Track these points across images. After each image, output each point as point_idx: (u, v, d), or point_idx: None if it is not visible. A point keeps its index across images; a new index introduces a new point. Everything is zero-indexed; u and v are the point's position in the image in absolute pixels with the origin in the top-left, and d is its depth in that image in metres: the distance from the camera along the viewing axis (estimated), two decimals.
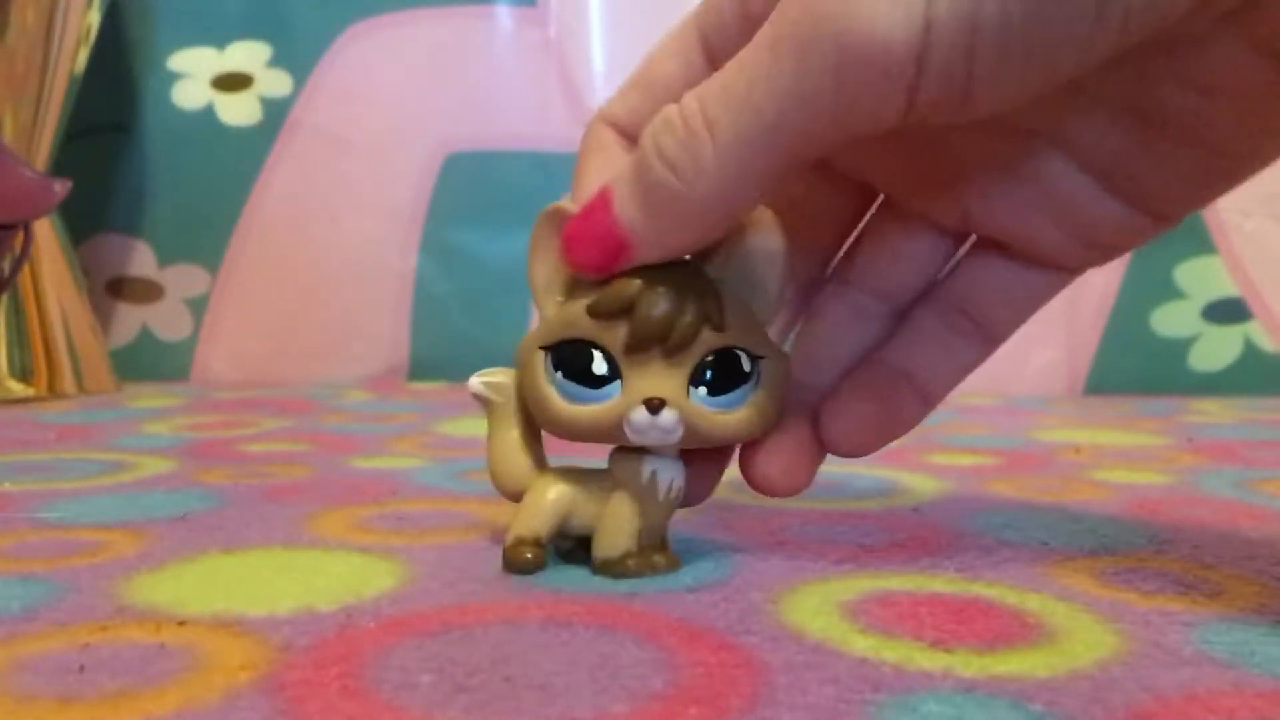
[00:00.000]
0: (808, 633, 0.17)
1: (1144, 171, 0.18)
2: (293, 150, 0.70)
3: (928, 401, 0.21)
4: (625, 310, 0.18)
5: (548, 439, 0.21)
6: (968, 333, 0.21)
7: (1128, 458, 0.37)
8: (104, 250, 0.71)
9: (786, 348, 0.21)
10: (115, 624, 0.17)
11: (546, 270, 0.20)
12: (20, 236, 0.52)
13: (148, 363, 0.70)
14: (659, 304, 0.18)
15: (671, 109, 0.17)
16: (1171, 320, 0.67)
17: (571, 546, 0.21)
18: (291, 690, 0.14)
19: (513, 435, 0.21)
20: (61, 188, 0.53)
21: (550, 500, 0.20)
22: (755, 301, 0.19)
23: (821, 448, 0.21)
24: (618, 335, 0.18)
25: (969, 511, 0.27)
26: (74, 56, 0.62)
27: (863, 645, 0.16)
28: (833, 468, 0.34)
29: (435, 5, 0.70)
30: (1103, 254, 0.20)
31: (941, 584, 0.20)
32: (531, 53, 0.69)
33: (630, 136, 0.20)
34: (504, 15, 0.69)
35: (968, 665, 0.15)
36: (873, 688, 0.15)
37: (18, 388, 0.57)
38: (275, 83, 0.70)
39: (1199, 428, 0.48)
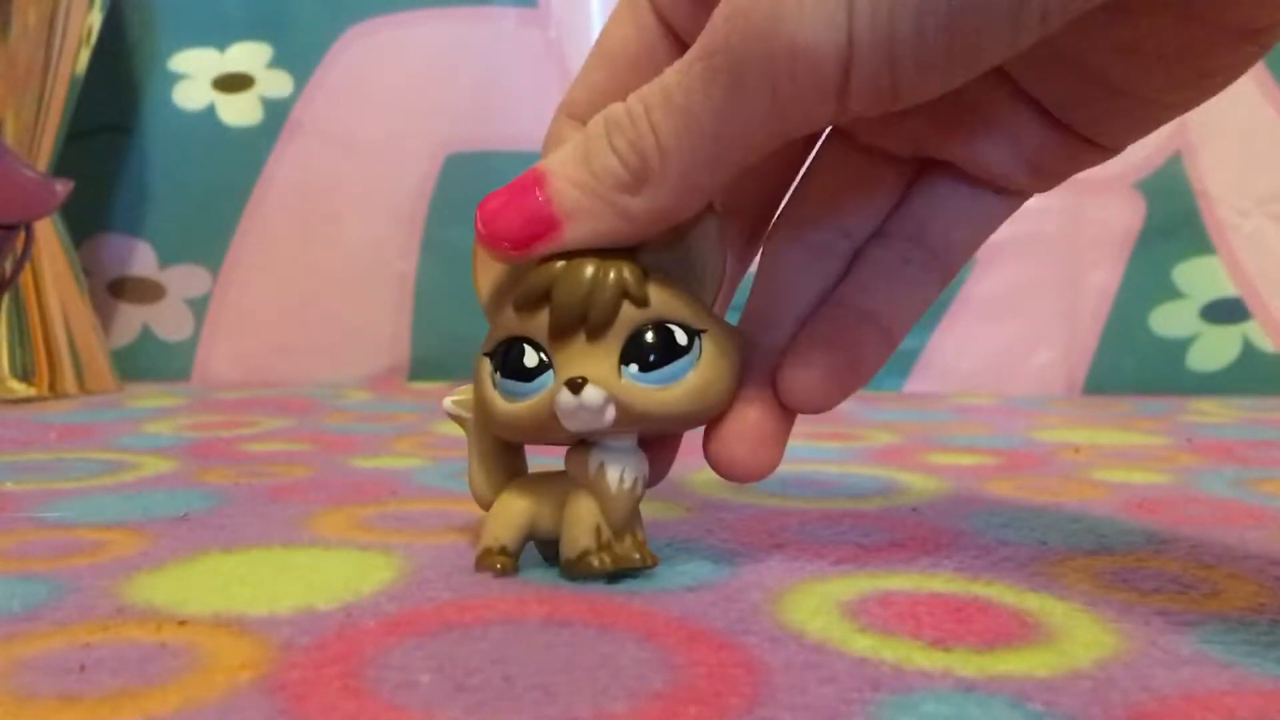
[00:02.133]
0: (807, 632, 0.17)
1: (1083, 109, 0.18)
2: (293, 151, 0.70)
3: (890, 341, 0.20)
4: (545, 297, 0.18)
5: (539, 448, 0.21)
6: (924, 263, 0.20)
7: (1126, 457, 0.37)
8: (105, 250, 0.71)
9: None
10: (116, 623, 0.17)
11: (490, 285, 0.20)
12: (22, 237, 0.52)
13: (149, 363, 0.70)
14: (574, 285, 0.18)
15: (619, 106, 0.17)
16: (1170, 320, 0.67)
17: (554, 552, 0.21)
18: (292, 689, 0.14)
19: (482, 449, 0.21)
20: (63, 188, 0.54)
21: (515, 511, 0.20)
22: (692, 284, 0.19)
23: (786, 420, 0.20)
24: (542, 324, 0.18)
25: (968, 511, 0.27)
26: (75, 57, 0.62)
27: (862, 645, 0.16)
28: (831, 467, 0.35)
29: (435, 6, 0.70)
30: (1049, 180, 0.20)
31: (941, 584, 0.20)
32: (531, 53, 0.69)
33: None
34: (504, 15, 0.69)
35: (967, 665, 0.15)
36: (872, 687, 0.15)
37: (19, 387, 0.57)
38: (276, 83, 0.70)
39: (1198, 428, 0.48)
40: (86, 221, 0.69)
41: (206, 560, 0.22)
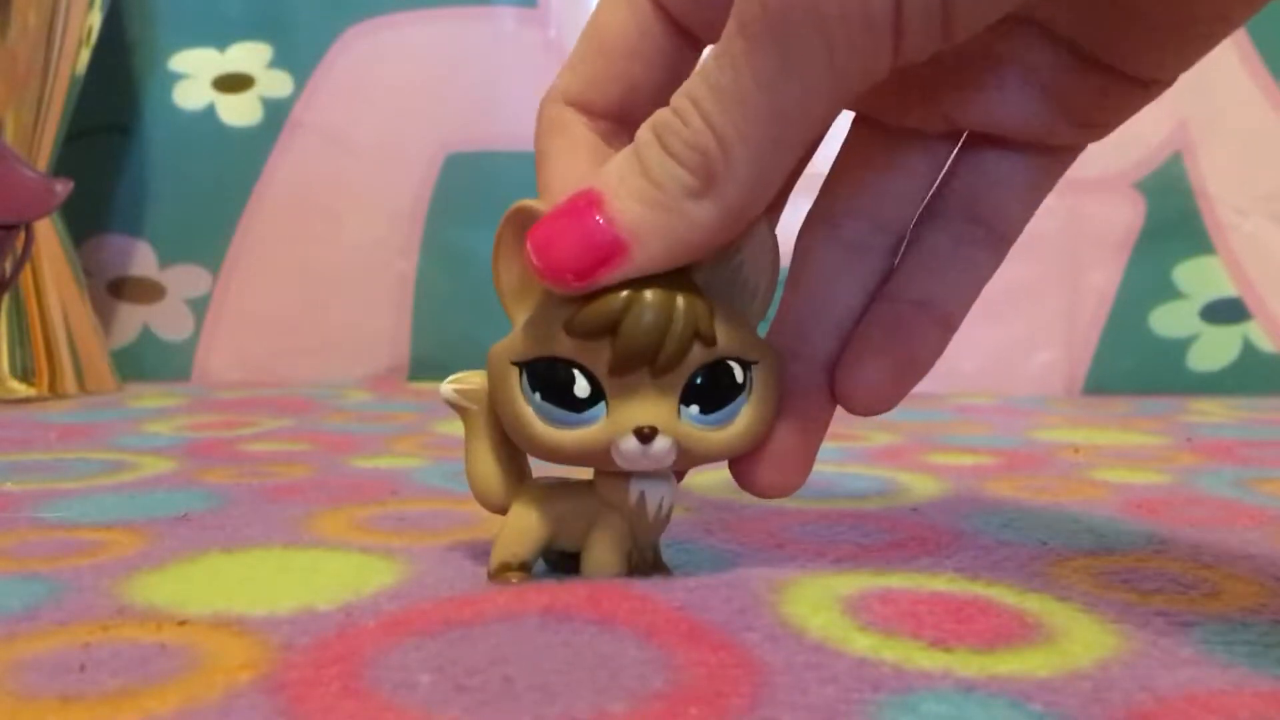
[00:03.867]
0: (807, 632, 0.17)
1: (1118, 39, 0.17)
2: (293, 151, 0.70)
3: (949, 327, 0.20)
4: (609, 329, 0.17)
5: None
6: (980, 240, 0.20)
7: (1126, 458, 0.37)
8: (105, 250, 0.71)
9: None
10: (116, 623, 0.17)
11: (515, 274, 0.18)
12: (21, 237, 0.52)
13: (149, 363, 0.70)
14: (645, 322, 0.16)
15: (666, 111, 0.16)
16: (1170, 320, 0.67)
17: (559, 560, 0.20)
18: (292, 690, 0.14)
19: (488, 445, 0.20)
20: (63, 188, 0.54)
21: (534, 524, 0.19)
22: (743, 303, 0.18)
23: (818, 435, 0.20)
24: (600, 355, 0.17)
25: (968, 511, 0.27)
26: (75, 57, 0.62)
27: (862, 645, 0.16)
28: (831, 467, 0.34)
29: (435, 6, 0.70)
30: (1097, 128, 0.19)
31: (941, 584, 0.20)
32: (532, 53, 0.69)
33: (593, 111, 0.19)
34: (504, 15, 0.69)
35: (967, 665, 0.15)
36: (872, 687, 0.15)
37: (19, 388, 0.57)
38: (276, 83, 0.70)
39: (1198, 427, 0.48)
40: (86, 221, 0.69)
41: (206, 560, 0.22)
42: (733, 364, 0.18)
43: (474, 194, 0.69)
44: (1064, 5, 0.17)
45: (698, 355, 0.17)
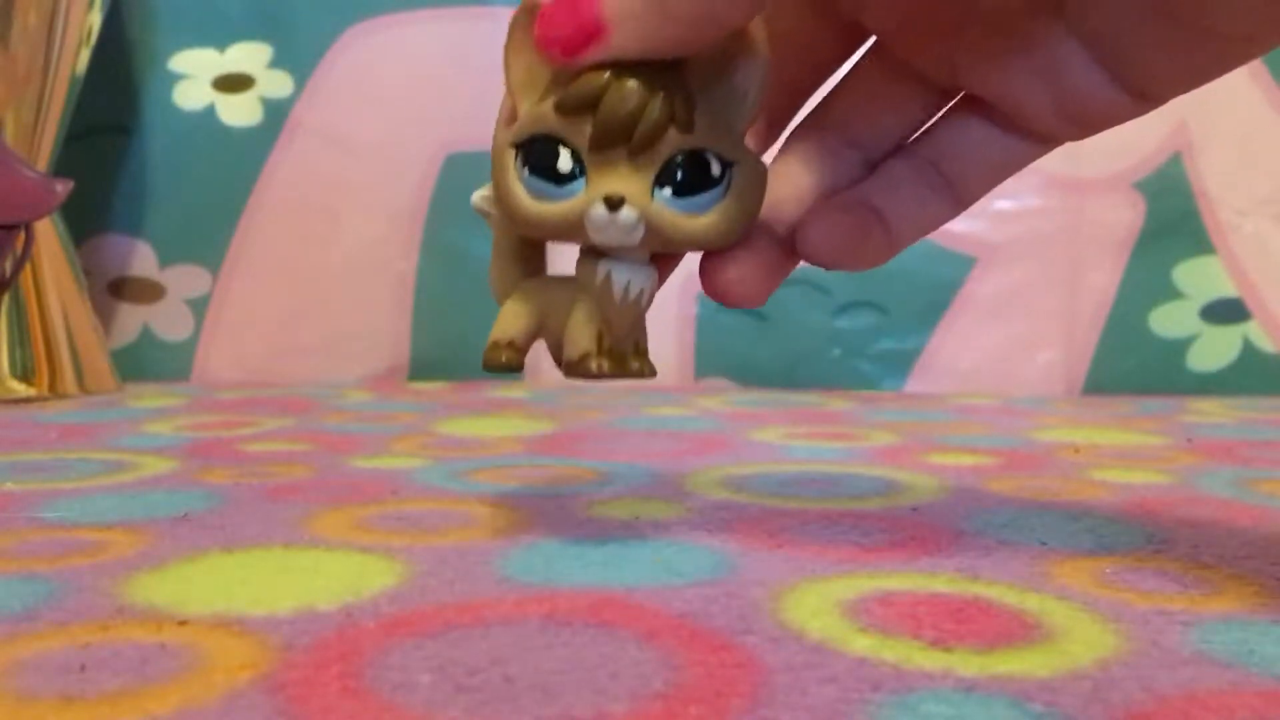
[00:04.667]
0: (807, 632, 0.17)
1: (1138, 47, 0.18)
2: (293, 151, 0.70)
3: (893, 244, 0.21)
4: (591, 105, 0.18)
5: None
6: (939, 188, 0.21)
7: (1126, 457, 0.37)
8: (105, 250, 0.71)
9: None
10: (116, 623, 0.17)
11: (523, 68, 0.19)
12: (21, 237, 0.52)
13: (149, 363, 0.70)
14: (625, 100, 0.18)
15: None
16: (1170, 320, 0.67)
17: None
18: (292, 690, 0.14)
19: (501, 243, 0.22)
20: (63, 188, 0.54)
21: (524, 309, 0.21)
22: (731, 109, 0.19)
23: (784, 266, 0.21)
24: (584, 131, 0.18)
25: (968, 511, 0.27)
26: (75, 57, 0.62)
27: (862, 645, 0.16)
28: (832, 467, 0.35)
29: (435, 5, 0.70)
30: (1082, 128, 0.20)
31: (941, 584, 0.20)
32: None
33: None
34: (504, 15, 0.69)
35: (967, 665, 0.15)
36: (872, 687, 0.15)
37: (19, 388, 0.57)
38: (276, 83, 0.70)
39: (1198, 428, 0.48)
40: (86, 222, 0.69)
41: (206, 560, 0.22)
42: (710, 157, 0.19)
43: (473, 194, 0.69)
44: (1101, 11, 0.18)
45: (674, 139, 0.18)
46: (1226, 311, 0.66)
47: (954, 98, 0.21)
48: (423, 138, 0.70)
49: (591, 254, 0.20)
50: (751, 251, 0.20)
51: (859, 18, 0.21)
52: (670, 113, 0.18)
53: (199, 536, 0.24)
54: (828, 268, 0.21)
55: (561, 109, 0.18)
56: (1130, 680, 0.15)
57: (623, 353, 0.20)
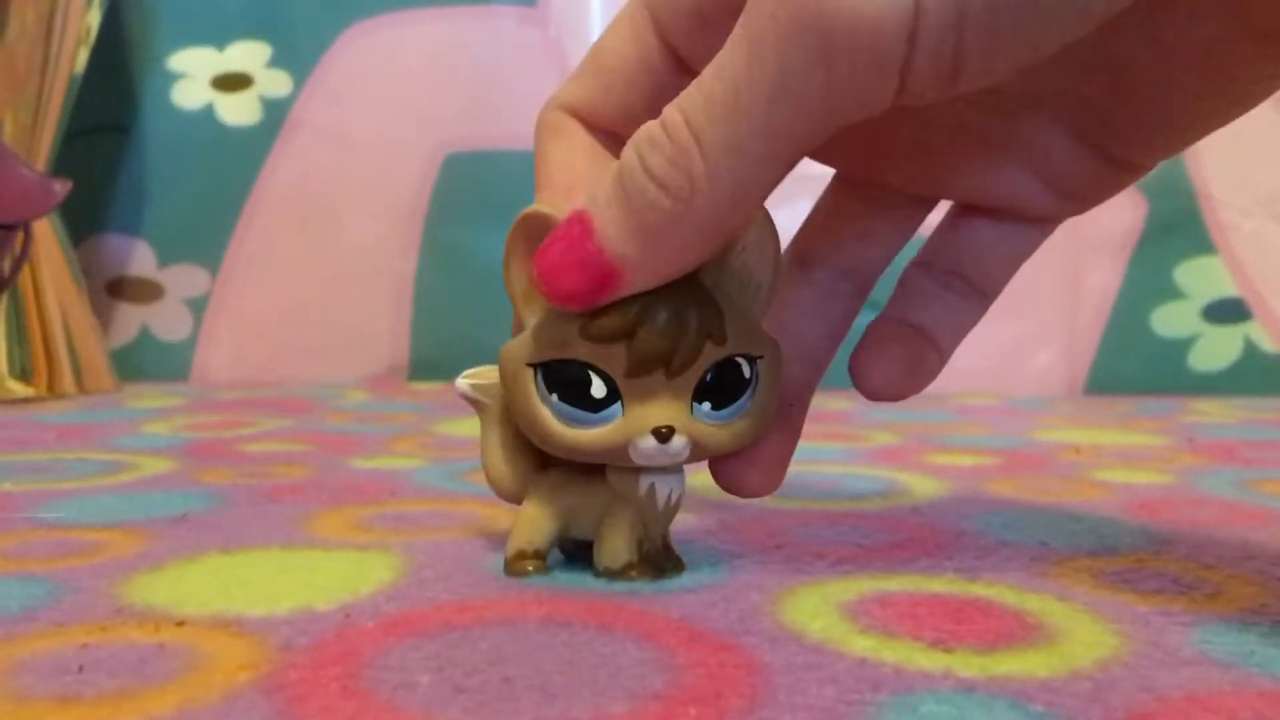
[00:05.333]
0: (807, 633, 0.17)
1: (1114, 122, 0.18)
2: (293, 150, 0.70)
3: (940, 354, 0.21)
4: (624, 335, 0.17)
5: None
6: (964, 292, 0.21)
7: (1127, 458, 0.37)
8: (104, 250, 0.71)
9: None
10: (114, 624, 0.17)
11: (524, 278, 0.18)
12: (20, 237, 0.52)
13: (147, 363, 0.70)
14: (661, 327, 0.17)
15: (653, 125, 0.16)
16: (1171, 320, 0.67)
17: (574, 549, 0.21)
18: (290, 690, 0.14)
19: (502, 438, 0.21)
20: (61, 188, 0.54)
21: (547, 514, 0.20)
22: (748, 297, 0.19)
23: (792, 441, 0.21)
24: (615, 357, 0.18)
25: (968, 512, 0.27)
26: (74, 56, 0.62)
27: (862, 646, 0.16)
28: (832, 467, 0.34)
29: (435, 5, 0.70)
30: (1081, 203, 0.20)
31: (941, 584, 0.20)
32: (531, 52, 0.69)
33: (590, 124, 0.20)
34: (504, 15, 0.69)
35: (967, 665, 0.15)
36: (872, 688, 0.15)
37: (18, 388, 0.57)
38: (275, 83, 0.70)
39: (1199, 428, 0.48)
40: (85, 221, 0.69)
41: (205, 561, 0.21)
42: (740, 360, 0.18)
43: (473, 193, 0.69)
44: (1072, 95, 0.18)
45: (709, 355, 0.18)
46: (1228, 311, 0.66)
47: (934, 203, 0.21)
48: (422, 137, 0.70)
49: (631, 467, 0.19)
50: (765, 449, 0.20)
51: (825, 161, 0.20)
52: (706, 331, 0.18)
53: (197, 537, 0.24)
54: (892, 400, 0.21)
55: (591, 338, 0.18)
56: (1130, 681, 0.15)
57: (655, 556, 0.20)
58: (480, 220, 0.69)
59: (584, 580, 0.20)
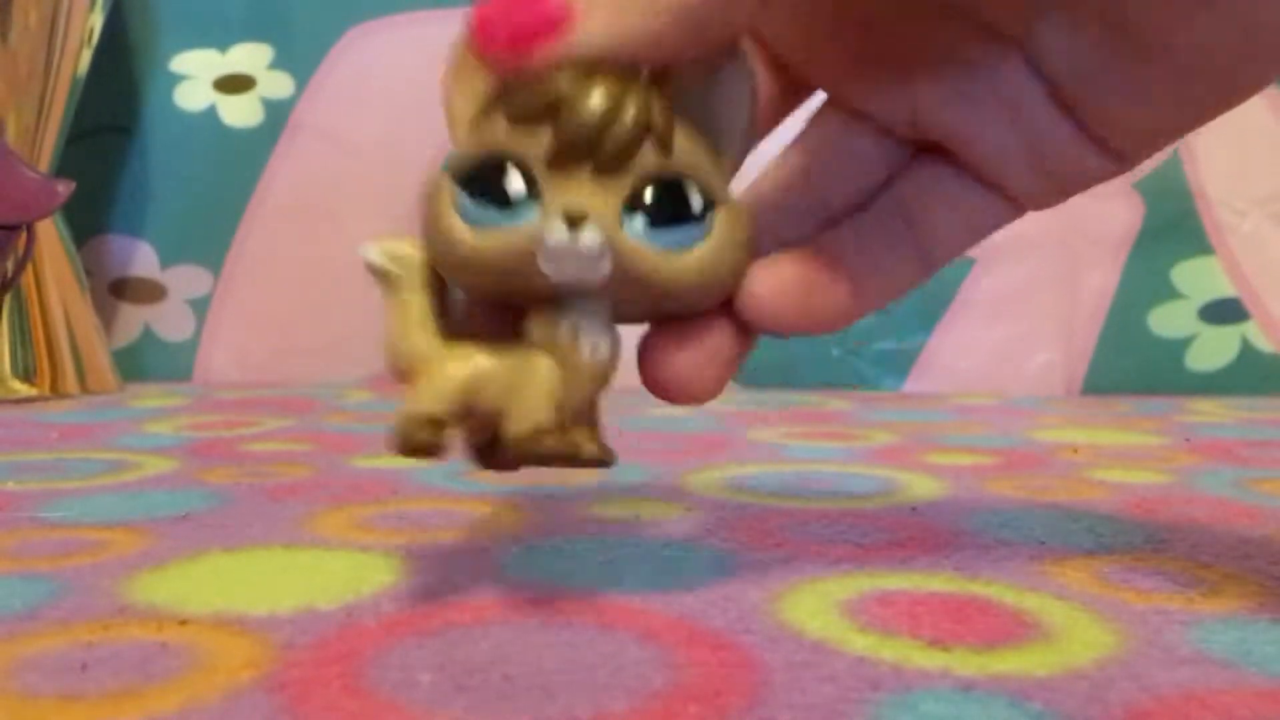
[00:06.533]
0: (806, 632, 0.17)
1: (1104, 91, 0.17)
2: (294, 151, 0.70)
3: (856, 304, 0.18)
4: (551, 110, 0.15)
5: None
6: (907, 244, 0.19)
7: (1125, 457, 0.37)
8: (106, 251, 0.71)
9: None
10: (117, 623, 0.17)
11: (469, 98, 0.16)
12: (23, 237, 0.52)
13: (150, 363, 0.70)
14: (594, 102, 0.14)
15: None
16: (1169, 320, 0.67)
17: (485, 444, 0.17)
18: (293, 689, 0.14)
19: (414, 305, 0.17)
20: (64, 189, 0.54)
21: (452, 370, 0.16)
22: (714, 140, 0.16)
23: (740, 350, 0.18)
24: (539, 143, 0.15)
25: (967, 511, 0.27)
26: (76, 58, 0.62)
27: (861, 644, 0.16)
28: (831, 467, 0.35)
29: (436, 7, 0.70)
30: (1053, 186, 0.18)
31: (939, 583, 0.20)
32: None
33: None
34: None
35: (966, 664, 0.15)
36: (871, 687, 0.15)
37: (21, 387, 0.57)
38: (277, 84, 0.70)
39: (1196, 427, 0.48)
40: (88, 222, 0.69)
41: (207, 560, 0.22)
42: (690, 189, 0.15)
43: None
44: (1063, 50, 0.16)
45: (649, 159, 0.15)
46: (1225, 311, 0.66)
47: (919, 154, 0.19)
48: (423, 138, 0.70)
49: (550, 306, 0.16)
50: (704, 333, 0.17)
51: (804, 71, 0.19)
52: (646, 123, 0.15)
53: (200, 536, 0.24)
54: (777, 332, 0.18)
55: (513, 115, 0.15)
56: (1128, 680, 0.15)
57: (576, 430, 0.17)
58: None
59: (584, 581, 0.20)
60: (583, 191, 0.15)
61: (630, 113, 0.15)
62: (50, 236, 0.60)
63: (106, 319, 0.70)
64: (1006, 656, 0.16)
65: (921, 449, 0.39)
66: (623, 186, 0.15)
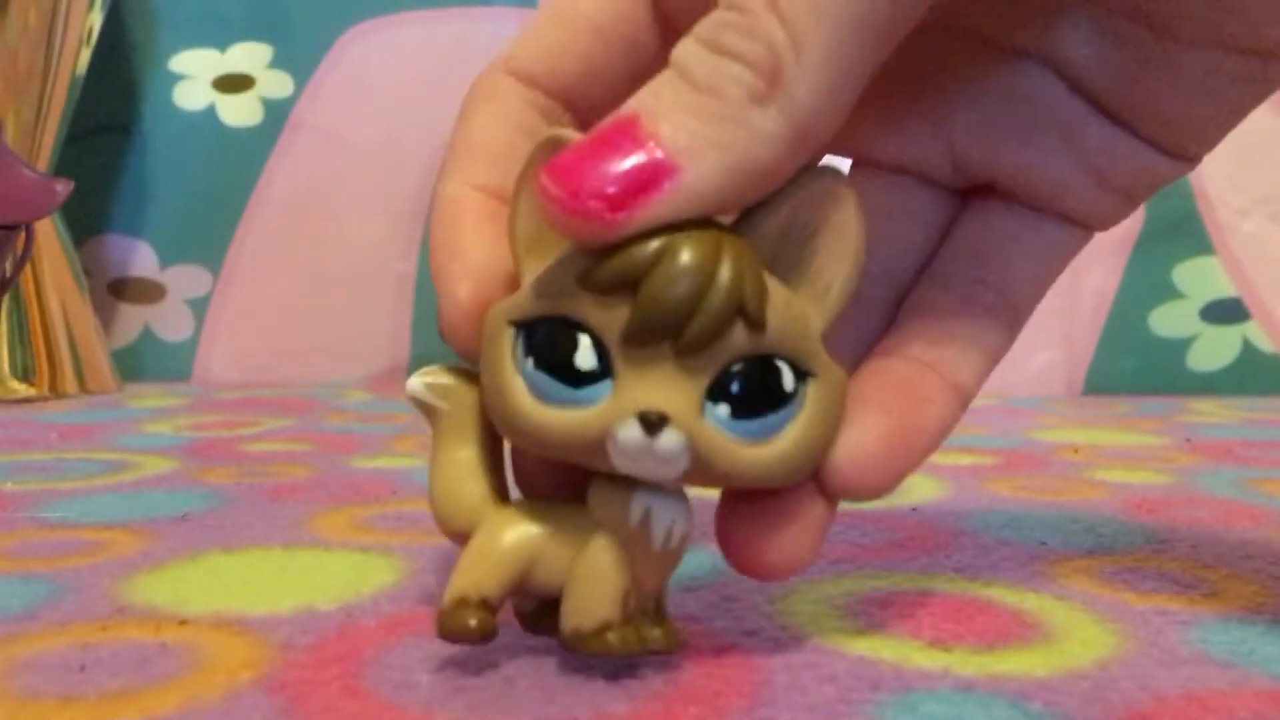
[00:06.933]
0: (806, 633, 0.17)
1: (1145, 88, 0.15)
2: (294, 151, 0.70)
3: (961, 397, 0.17)
4: (630, 283, 0.13)
5: None
6: (989, 304, 0.17)
7: (1126, 457, 0.37)
8: (106, 251, 0.71)
9: None
10: (116, 623, 0.17)
11: (533, 220, 0.14)
12: (22, 237, 0.52)
13: (149, 363, 0.70)
14: (678, 278, 0.13)
15: (715, 12, 0.13)
16: (1170, 320, 0.67)
17: (535, 608, 0.16)
18: (292, 689, 0.14)
19: (464, 455, 0.15)
20: (63, 188, 0.54)
21: (506, 545, 0.15)
22: (810, 296, 0.14)
23: (830, 504, 0.15)
24: (616, 317, 0.13)
25: (967, 511, 0.27)
26: (76, 57, 0.62)
27: (861, 645, 0.16)
28: None
29: (435, 6, 0.70)
30: (1120, 198, 0.17)
31: (940, 584, 0.20)
32: None
33: (537, 84, 0.16)
34: (504, 15, 0.69)
35: (966, 665, 0.15)
36: (871, 687, 0.15)
37: (20, 387, 0.57)
38: (276, 84, 0.70)
39: (1197, 428, 0.48)
40: (87, 222, 0.69)
41: (207, 560, 0.22)
42: (782, 366, 0.14)
43: None
44: (1093, 54, 0.16)
45: (739, 340, 0.13)
46: (1226, 312, 0.66)
47: (973, 193, 0.18)
48: (423, 138, 0.70)
49: (617, 481, 0.14)
50: (793, 507, 0.15)
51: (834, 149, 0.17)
52: (737, 303, 0.13)
53: (199, 536, 0.24)
54: (867, 500, 0.16)
55: (589, 284, 0.13)
56: (1129, 680, 0.15)
57: (643, 618, 0.15)
58: None
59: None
60: (660, 374, 0.13)
61: (721, 293, 0.13)
62: (49, 236, 0.60)
63: (105, 319, 0.70)
64: (1007, 657, 0.16)
65: None
66: (707, 370, 0.13)
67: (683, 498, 0.15)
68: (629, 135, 0.13)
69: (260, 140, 0.70)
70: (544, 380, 0.14)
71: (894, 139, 0.17)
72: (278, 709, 0.14)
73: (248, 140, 0.70)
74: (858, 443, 0.15)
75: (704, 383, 0.13)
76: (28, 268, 0.57)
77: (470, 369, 0.16)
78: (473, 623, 0.14)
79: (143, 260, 0.71)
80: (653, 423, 0.13)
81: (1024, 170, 0.17)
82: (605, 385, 0.13)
